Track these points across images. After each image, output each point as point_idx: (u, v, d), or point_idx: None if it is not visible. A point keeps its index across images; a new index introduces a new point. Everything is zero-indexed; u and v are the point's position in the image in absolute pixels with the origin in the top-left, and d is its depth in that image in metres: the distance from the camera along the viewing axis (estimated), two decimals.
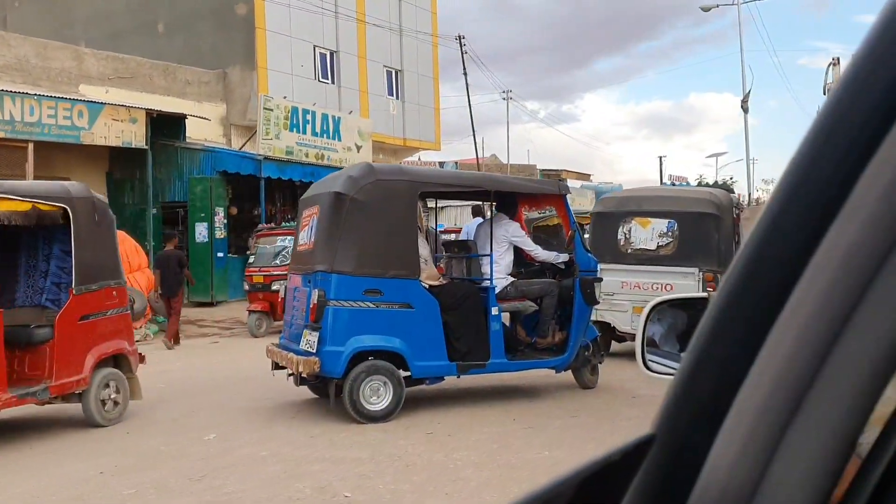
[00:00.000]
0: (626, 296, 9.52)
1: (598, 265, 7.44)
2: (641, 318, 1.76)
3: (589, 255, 7.32)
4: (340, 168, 20.03)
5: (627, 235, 10.40)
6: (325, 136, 19.38)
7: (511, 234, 7.05)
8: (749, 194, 31.12)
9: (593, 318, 9.71)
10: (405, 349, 6.35)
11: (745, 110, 26.40)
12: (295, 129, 18.27)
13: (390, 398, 6.32)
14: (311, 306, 6.28)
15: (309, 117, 18.53)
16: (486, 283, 6.81)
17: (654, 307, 1.75)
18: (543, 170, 36.73)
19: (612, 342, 10.24)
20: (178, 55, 21.71)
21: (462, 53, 28.25)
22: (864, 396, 0.43)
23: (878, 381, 0.43)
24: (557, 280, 7.38)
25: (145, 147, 16.35)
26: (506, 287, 6.99)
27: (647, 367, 1.67)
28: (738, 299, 0.49)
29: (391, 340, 6.34)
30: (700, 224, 9.54)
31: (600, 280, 7.37)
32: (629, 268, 9.61)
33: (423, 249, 6.51)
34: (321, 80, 23.84)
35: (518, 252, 7.25)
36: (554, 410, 6.69)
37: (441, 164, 34.97)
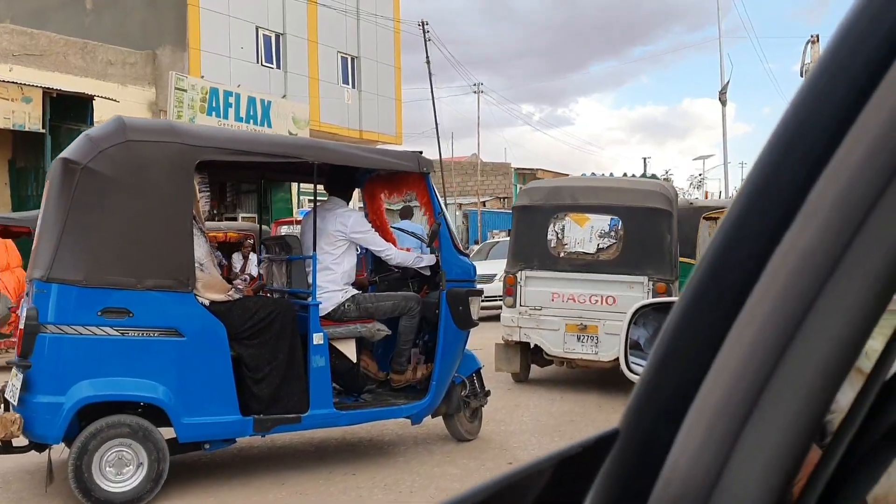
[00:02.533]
0: (557, 310, 7.66)
1: (475, 271, 5.30)
2: (625, 322, 1.75)
3: (463, 258, 5.17)
4: None
5: (560, 235, 8.27)
6: (251, 121, 17.25)
7: (351, 229, 4.91)
8: (722, 194, 29.23)
9: (514, 337, 7.92)
10: (168, 399, 4.19)
11: (723, 102, 24.37)
12: (214, 114, 16.15)
13: (143, 474, 4.17)
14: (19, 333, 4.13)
15: (232, 100, 16.40)
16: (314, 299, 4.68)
17: (637, 310, 1.74)
18: (518, 168, 34.65)
19: (532, 365, 8.41)
20: (108, 34, 19.74)
21: (425, 42, 26.15)
22: (819, 393, 0.45)
23: (832, 379, 0.45)
24: (423, 293, 5.25)
25: (42, 131, 14.35)
26: (343, 304, 4.86)
27: (631, 370, 1.62)
28: (700, 299, 0.50)
29: (146, 386, 4.18)
30: (650, 222, 7.53)
31: (478, 293, 5.22)
32: (562, 275, 7.73)
33: (200, 249, 4.35)
34: (265, 64, 21.76)
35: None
36: (402, 476, 4.56)
37: None
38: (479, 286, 5.39)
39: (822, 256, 0.45)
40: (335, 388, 4.91)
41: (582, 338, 7.57)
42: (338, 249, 4.90)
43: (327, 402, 4.65)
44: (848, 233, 0.45)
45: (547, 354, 7.86)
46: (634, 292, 7.43)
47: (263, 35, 21.77)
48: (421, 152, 5.19)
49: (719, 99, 23.20)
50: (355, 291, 4.99)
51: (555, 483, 0.51)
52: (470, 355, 5.45)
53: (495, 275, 12.58)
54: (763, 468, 0.45)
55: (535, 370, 8.81)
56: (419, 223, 14.26)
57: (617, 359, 7.22)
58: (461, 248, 5.20)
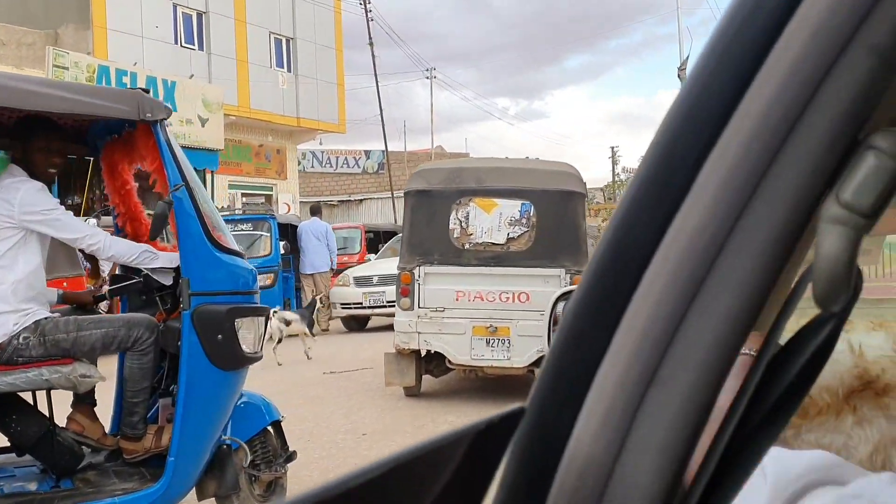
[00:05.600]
0: (462, 311, 6.59)
1: (255, 277, 3.42)
2: (548, 305, 1.73)
3: (229, 257, 3.27)
4: None
5: (464, 224, 6.79)
6: None
7: (20, 208, 3.02)
8: None
9: (411, 344, 6.62)
10: None
11: (682, 80, 22.61)
12: None
13: None
14: None
15: (126, 80, 14.37)
16: None
17: (559, 297, 1.79)
18: (479, 160, 32.80)
19: (427, 375, 7.14)
20: (6, 12, 17.72)
21: (367, 21, 24.28)
22: (712, 368, 0.46)
23: (725, 355, 0.46)
24: (160, 317, 3.37)
25: None
26: (16, 336, 2.97)
27: None
28: (599, 280, 0.50)
29: None
30: (565, 207, 6.53)
31: (256, 312, 3.36)
32: (467, 270, 6.64)
33: None
34: (185, 45, 19.75)
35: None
36: None
37: (367, 152, 31.13)
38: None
39: (710, 235, 0.46)
40: (31, 469, 3.05)
41: (492, 342, 6.51)
42: (3, 244, 2.99)
43: None
44: (735, 211, 0.46)
45: (451, 363, 6.73)
46: (550, 287, 6.30)
47: (183, 13, 19.79)
48: (148, 91, 3.29)
49: (678, 76, 21.45)
50: (45, 314, 3.09)
51: (464, 458, 0.48)
52: (258, 405, 3.59)
53: None
54: (661, 443, 0.47)
55: (429, 381, 7.39)
56: (367, 222, 12.32)
57: (532, 364, 6.33)
58: (227, 242, 3.31)
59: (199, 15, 20.15)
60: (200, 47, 20.15)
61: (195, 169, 11.83)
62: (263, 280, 10.33)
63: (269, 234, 10.98)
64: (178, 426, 3.07)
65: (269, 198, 22.17)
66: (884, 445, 0.98)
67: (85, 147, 3.94)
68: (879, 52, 0.44)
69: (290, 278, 11.72)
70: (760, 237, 0.45)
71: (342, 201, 28.32)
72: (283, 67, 22.36)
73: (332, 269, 12.25)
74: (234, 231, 10.58)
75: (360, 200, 28.31)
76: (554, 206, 6.48)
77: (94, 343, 3.08)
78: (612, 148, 55.94)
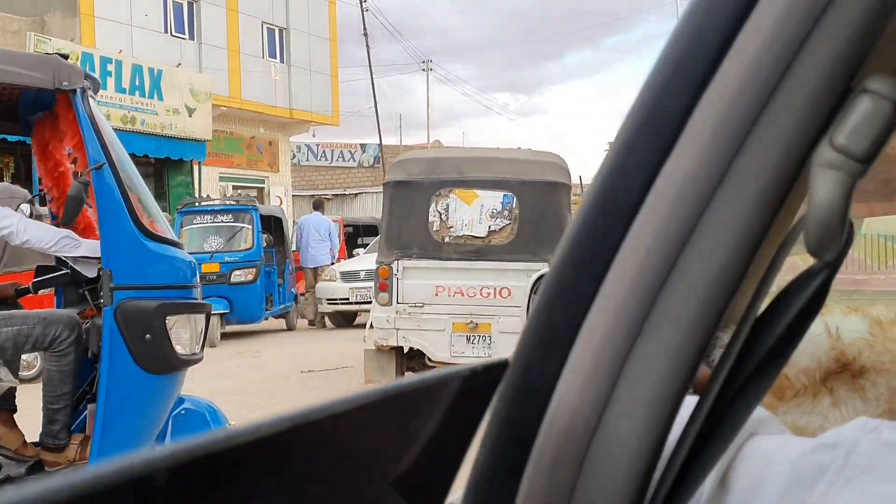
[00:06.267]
0: (442, 307, 6.42)
1: (194, 269, 3.09)
2: (527, 288, 1.56)
3: (160, 246, 2.93)
4: (159, 136, 15.72)
5: (443, 216, 6.51)
6: (137, 93, 14.88)
7: None
8: None
9: (389, 341, 6.42)
10: None
11: None
12: None
13: None
14: None
15: (111, 67, 14.02)
16: None
17: (539, 279, 1.64)
18: (461, 149, 32.43)
19: (409, 371, 6.85)
20: None
21: (362, 10, 23.93)
22: (700, 320, 0.45)
23: (713, 306, 0.45)
24: (86, 315, 3.04)
25: None
26: None
27: None
28: (587, 230, 0.49)
29: None
30: (548, 198, 6.32)
31: (193, 309, 3.03)
32: (447, 265, 6.46)
33: None
34: (175, 34, 19.37)
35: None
36: None
37: (363, 146, 30.79)
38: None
39: (702, 180, 0.45)
40: None
41: (472, 338, 6.37)
42: None
43: None
44: (728, 156, 0.45)
45: (430, 360, 6.53)
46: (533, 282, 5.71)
47: (173, 2, 19.42)
48: (66, 56, 2.95)
49: None
50: None
51: (448, 404, 0.49)
52: (201, 412, 3.26)
53: None
54: (648, 398, 0.46)
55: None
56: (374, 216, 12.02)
57: None
58: (161, 230, 2.97)
59: (190, 4, 19.79)
60: (191, 36, 19.79)
61: (182, 160, 11.51)
62: (245, 275, 9.99)
63: (250, 227, 10.55)
64: (97, 436, 2.75)
65: (260, 191, 21.87)
66: None
67: (17, 125, 3.60)
68: None
69: (272, 273, 11.18)
70: (753, 183, 0.45)
71: (337, 195, 28.00)
72: (275, 58, 22.02)
73: (333, 264, 12.10)
74: (214, 223, 10.22)
75: (355, 194, 27.99)
76: (537, 198, 6.26)
77: (3, 342, 2.75)
78: (610, 143, 55.94)
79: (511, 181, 6.33)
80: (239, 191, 20.46)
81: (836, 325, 1.21)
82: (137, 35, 17.98)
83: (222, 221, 10.46)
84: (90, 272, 2.96)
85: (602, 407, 0.46)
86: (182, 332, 2.94)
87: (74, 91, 2.81)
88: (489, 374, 0.50)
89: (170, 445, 0.36)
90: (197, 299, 3.15)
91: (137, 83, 15.01)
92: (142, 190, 3.10)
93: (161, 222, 3.07)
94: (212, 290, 9.65)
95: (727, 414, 0.50)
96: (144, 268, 2.86)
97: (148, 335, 2.81)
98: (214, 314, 9.55)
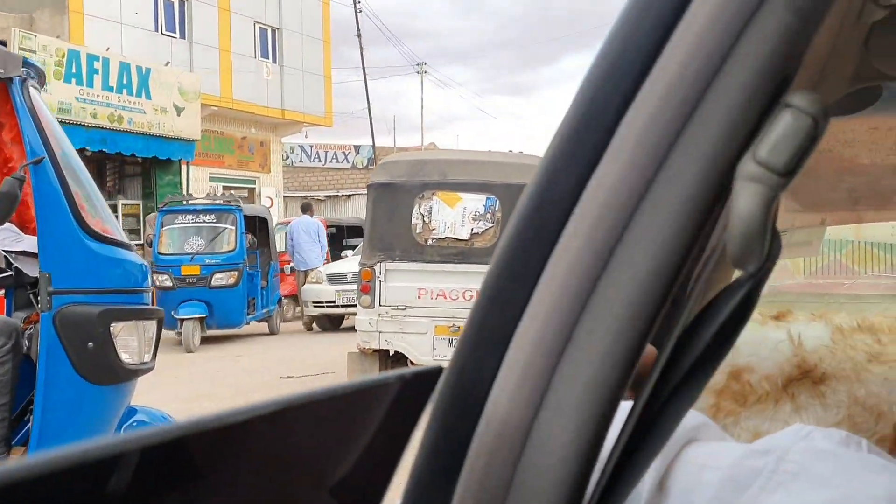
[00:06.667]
0: (425, 310, 6.45)
1: (145, 273, 2.90)
2: None
3: (92, 244, 2.73)
4: (147, 135, 15.58)
5: (426, 219, 6.42)
6: (124, 91, 14.70)
7: None
8: None
9: (371, 344, 6.47)
10: None
11: None
12: (74, 80, 13.58)
13: None
14: None
15: (98, 65, 13.84)
16: None
17: None
18: (445, 152, 32.32)
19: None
20: None
21: (356, 10, 23.79)
22: (631, 324, 0.46)
23: (643, 311, 0.46)
24: (32, 320, 2.86)
25: None
26: None
27: None
28: (519, 236, 0.50)
29: None
30: None
31: (150, 314, 2.85)
32: (429, 267, 6.48)
33: None
34: (166, 32, 19.20)
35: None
36: None
37: (357, 147, 30.62)
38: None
39: (627, 191, 0.46)
40: None
41: (455, 342, 5.80)
42: None
43: None
44: (653, 168, 0.46)
45: (413, 363, 6.53)
46: None
47: (164, 0, 19.22)
48: (4, 43, 2.77)
49: None
50: None
51: (383, 411, 0.49)
52: (154, 424, 3.06)
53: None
54: (578, 403, 0.46)
55: None
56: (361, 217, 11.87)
57: None
58: (109, 231, 2.79)
59: (182, 2, 19.62)
60: (182, 35, 19.61)
61: (170, 159, 11.29)
62: (226, 279, 9.72)
63: (234, 227, 10.23)
64: (32, 450, 2.56)
65: (251, 191, 21.70)
66: None
67: None
68: (797, 8, 0.45)
69: (255, 276, 10.85)
70: (678, 194, 0.46)
71: (330, 196, 27.83)
72: (268, 58, 21.86)
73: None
74: (196, 223, 9.98)
75: (349, 196, 27.82)
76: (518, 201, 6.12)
77: None
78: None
79: (494, 184, 6.30)
80: (231, 191, 20.36)
81: (799, 333, 1.22)
82: (128, 33, 17.80)
83: (204, 222, 10.19)
84: (33, 271, 2.78)
85: (534, 411, 0.46)
86: (129, 340, 2.76)
87: (11, 80, 2.62)
88: (424, 380, 0.50)
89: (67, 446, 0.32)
90: (147, 305, 2.97)
91: (125, 81, 14.83)
92: (89, 187, 2.92)
93: (109, 222, 2.89)
94: (191, 293, 9.43)
95: (658, 420, 0.50)
96: (87, 271, 2.67)
97: (90, 343, 2.62)
98: (193, 318, 9.30)
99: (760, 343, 1.28)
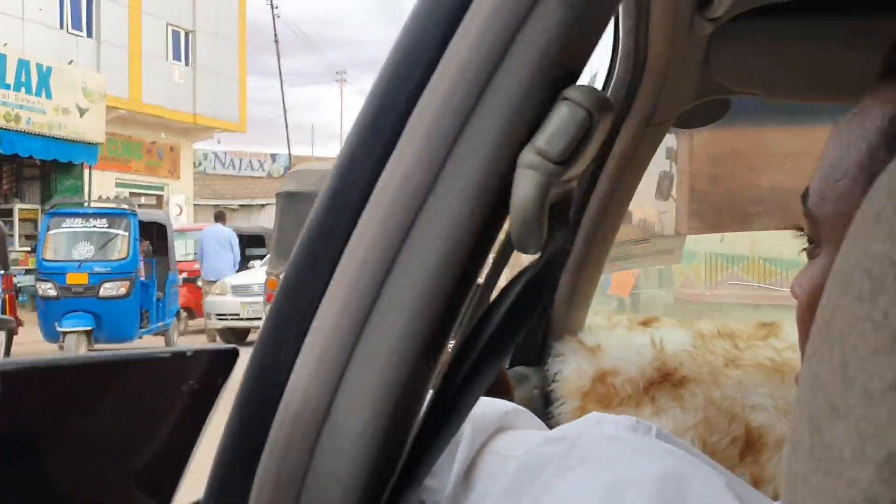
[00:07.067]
0: None
1: None
2: None
3: None
4: (47, 136, 14.54)
5: None
6: (22, 89, 14.03)
7: None
8: None
9: None
10: None
11: None
12: None
13: None
14: None
15: None
16: None
17: None
18: None
19: None
20: None
21: (273, 17, 23.51)
22: (424, 308, 0.47)
23: (435, 294, 0.47)
24: None
25: None
26: None
27: None
28: (320, 221, 0.51)
29: None
30: None
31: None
32: None
33: None
34: (72, 31, 18.47)
35: None
36: None
37: (273, 156, 30.13)
38: None
39: (418, 180, 0.48)
40: None
41: None
42: None
43: None
44: (441, 157, 0.47)
45: None
46: None
47: None
48: None
49: None
50: None
51: (178, 385, 0.51)
52: None
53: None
54: (374, 386, 0.47)
55: None
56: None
57: None
58: None
59: (89, 0, 18.94)
60: (89, 34, 18.92)
61: (71, 163, 10.63)
62: (116, 289, 9.08)
63: (127, 234, 9.45)
64: None
65: (159, 198, 21.07)
66: (678, 434, 0.99)
67: None
68: (571, 5, 0.46)
69: (150, 286, 10.00)
70: (467, 182, 0.47)
71: (243, 205, 27.28)
72: (180, 60, 21.33)
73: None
74: (85, 227, 9.41)
75: (263, 205, 27.34)
76: None
77: None
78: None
79: None
80: (141, 197, 19.64)
81: (661, 337, 1.27)
82: (31, 30, 17.02)
83: (95, 227, 9.45)
84: None
85: (331, 396, 0.47)
86: None
87: None
88: (222, 359, 0.52)
89: None
90: None
91: (23, 79, 14.15)
92: None
93: None
94: (77, 303, 8.76)
95: (453, 405, 0.52)
96: None
97: None
98: (78, 331, 8.73)
99: (626, 347, 1.31)
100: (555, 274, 0.54)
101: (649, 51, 0.95)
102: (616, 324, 1.40)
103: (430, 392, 0.53)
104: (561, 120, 0.46)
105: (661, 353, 1.25)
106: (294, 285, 0.51)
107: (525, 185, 0.46)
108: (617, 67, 1.01)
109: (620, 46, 0.98)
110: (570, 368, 1.32)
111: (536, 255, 0.52)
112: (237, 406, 0.51)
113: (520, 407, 0.70)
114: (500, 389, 1.06)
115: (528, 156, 0.46)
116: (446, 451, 0.59)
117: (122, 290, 9.21)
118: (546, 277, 0.52)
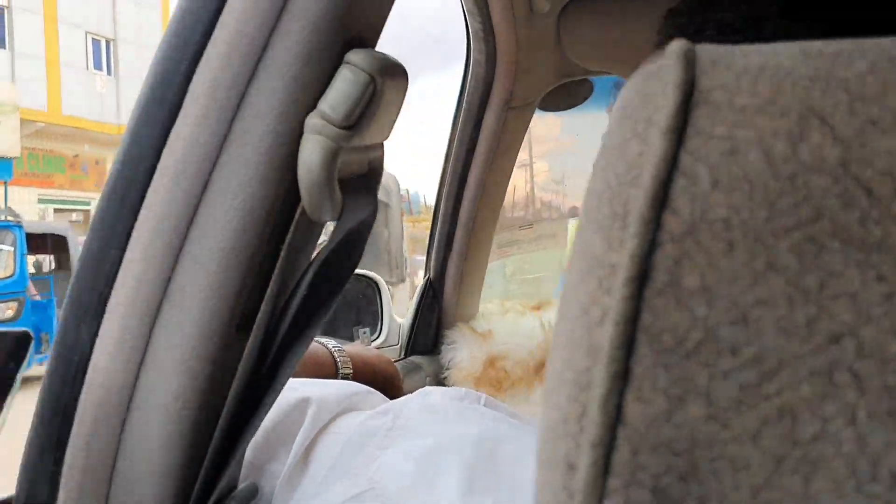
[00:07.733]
0: None
1: None
2: None
3: None
4: None
5: None
6: None
7: None
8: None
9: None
10: None
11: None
12: None
13: None
14: None
15: None
16: None
17: None
18: None
19: None
20: None
21: None
22: (222, 277, 0.46)
23: (233, 262, 0.46)
24: None
25: None
26: None
27: None
28: (111, 194, 0.49)
29: None
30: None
31: None
32: None
33: None
34: None
35: None
36: None
37: None
38: None
39: (203, 145, 0.46)
40: None
41: None
42: None
43: None
44: (225, 122, 0.46)
45: None
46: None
47: None
48: None
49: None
50: None
51: None
52: None
53: None
54: (179, 361, 0.45)
55: None
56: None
57: None
58: None
59: (0, 9, 18.28)
60: (2, 45, 18.27)
61: None
62: (2, 311, 7.91)
63: (11, 249, 8.21)
64: None
65: (86, 213, 20.45)
66: None
67: None
68: None
69: (48, 306, 8.59)
70: (255, 147, 0.46)
71: None
72: (101, 70, 20.76)
73: None
74: None
75: None
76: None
77: None
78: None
79: None
80: (72, 213, 18.96)
81: (549, 321, 1.29)
82: None
83: None
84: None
85: (136, 373, 0.46)
86: None
87: None
88: (16, 343, 0.50)
89: None
90: None
91: None
92: None
93: None
94: None
95: (269, 377, 0.51)
96: None
97: None
98: None
99: (516, 332, 1.32)
100: (360, 243, 0.51)
101: (495, 31, 0.95)
102: (508, 309, 1.40)
103: (247, 364, 0.52)
104: (343, 84, 0.46)
105: (549, 334, 1.28)
106: (89, 263, 0.49)
107: (310, 149, 0.46)
108: (472, 49, 1.01)
109: (469, 27, 0.98)
110: (462, 355, 1.32)
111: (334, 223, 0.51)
112: (43, 390, 0.49)
113: (372, 389, 0.70)
114: (386, 381, 1.05)
115: (313, 120, 0.46)
116: (289, 434, 0.60)
117: (10, 313, 8.03)
118: (350, 248, 0.51)
